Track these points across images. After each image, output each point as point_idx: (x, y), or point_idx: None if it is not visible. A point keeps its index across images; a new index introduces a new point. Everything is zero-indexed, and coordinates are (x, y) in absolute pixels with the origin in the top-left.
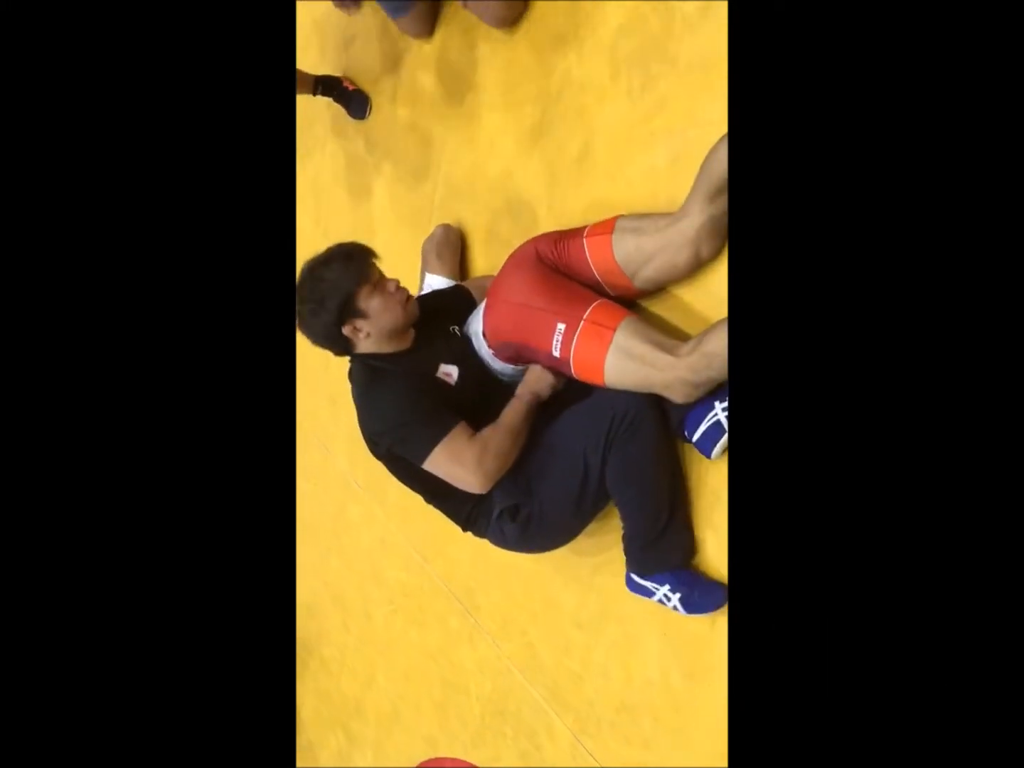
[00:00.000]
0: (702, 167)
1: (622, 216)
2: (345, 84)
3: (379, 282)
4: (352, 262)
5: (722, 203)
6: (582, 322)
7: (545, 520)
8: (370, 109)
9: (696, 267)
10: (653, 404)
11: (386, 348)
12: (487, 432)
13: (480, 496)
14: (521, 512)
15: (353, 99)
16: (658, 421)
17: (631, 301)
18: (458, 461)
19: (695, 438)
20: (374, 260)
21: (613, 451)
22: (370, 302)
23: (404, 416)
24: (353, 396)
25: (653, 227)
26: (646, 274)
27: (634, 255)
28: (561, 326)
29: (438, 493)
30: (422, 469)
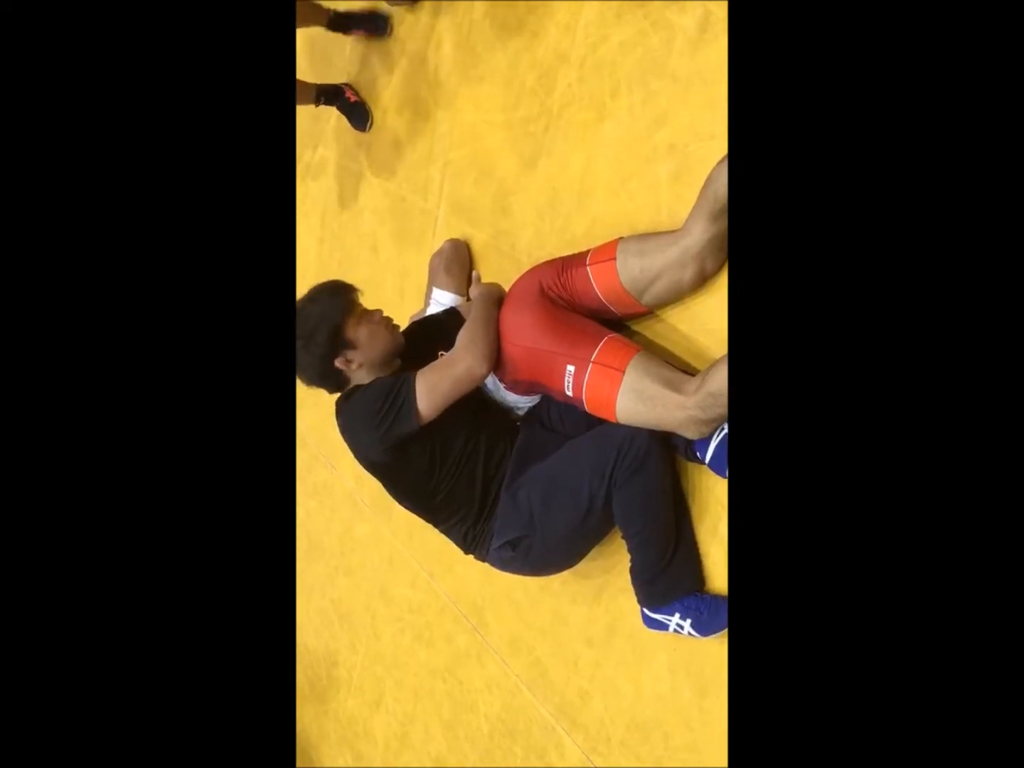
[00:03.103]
0: (704, 187)
1: (623, 239)
2: (348, 95)
3: (363, 314)
4: (336, 296)
5: (725, 222)
6: (590, 364)
7: (547, 549)
8: (371, 122)
9: (701, 282)
10: (658, 438)
11: (375, 376)
12: (461, 335)
13: (476, 518)
14: (523, 542)
15: (355, 110)
16: (663, 455)
17: (638, 319)
18: (449, 368)
19: (707, 459)
20: (356, 294)
21: (618, 486)
22: (358, 332)
23: (376, 400)
24: (340, 428)
25: (656, 248)
26: (653, 293)
27: (639, 277)
28: (571, 368)
29: (436, 513)
30: (419, 489)
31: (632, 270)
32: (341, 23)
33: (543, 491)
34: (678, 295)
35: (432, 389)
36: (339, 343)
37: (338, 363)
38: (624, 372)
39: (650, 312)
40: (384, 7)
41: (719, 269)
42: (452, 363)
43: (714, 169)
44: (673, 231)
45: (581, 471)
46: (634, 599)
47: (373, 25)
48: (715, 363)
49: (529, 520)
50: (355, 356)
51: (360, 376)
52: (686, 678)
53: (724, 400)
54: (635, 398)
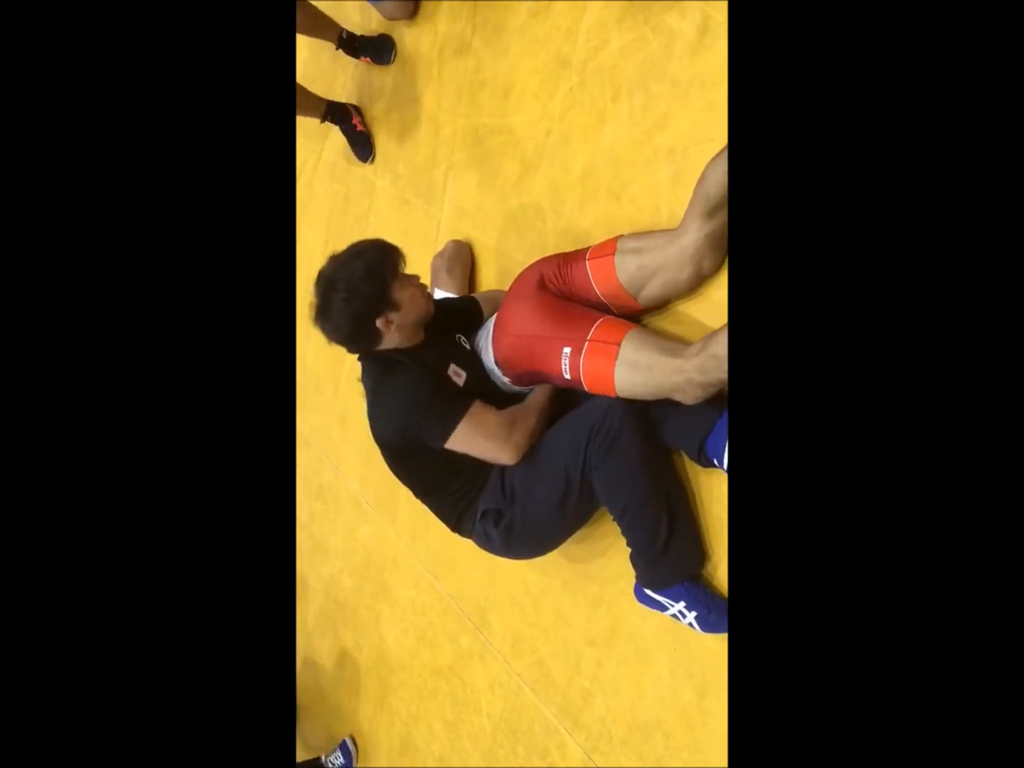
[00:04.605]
0: (698, 185)
1: (622, 236)
2: (355, 121)
3: (406, 276)
4: (384, 253)
5: (719, 219)
6: (587, 342)
7: (527, 527)
8: (373, 156)
9: (698, 282)
10: (634, 415)
11: (403, 343)
12: (513, 409)
13: (472, 496)
14: (504, 518)
15: (359, 140)
16: (640, 432)
17: (636, 317)
18: (486, 433)
19: (725, 464)
20: (402, 256)
21: (595, 464)
22: (403, 293)
23: (424, 397)
24: (367, 389)
25: (654, 246)
26: (649, 291)
27: (636, 275)
28: (567, 350)
29: (431, 490)
30: (421, 463)
31: (630, 267)
32: (350, 47)
33: (524, 469)
34: (675, 294)
35: (465, 438)
36: (384, 301)
37: (379, 323)
38: (620, 345)
39: (646, 311)
40: (390, 32)
41: (717, 269)
42: (493, 434)
43: (706, 168)
44: (671, 229)
45: (559, 449)
46: (636, 599)
47: (379, 54)
48: (720, 328)
49: (511, 496)
50: (395, 318)
51: (392, 338)
52: (687, 678)
53: (726, 365)
54: (632, 368)
